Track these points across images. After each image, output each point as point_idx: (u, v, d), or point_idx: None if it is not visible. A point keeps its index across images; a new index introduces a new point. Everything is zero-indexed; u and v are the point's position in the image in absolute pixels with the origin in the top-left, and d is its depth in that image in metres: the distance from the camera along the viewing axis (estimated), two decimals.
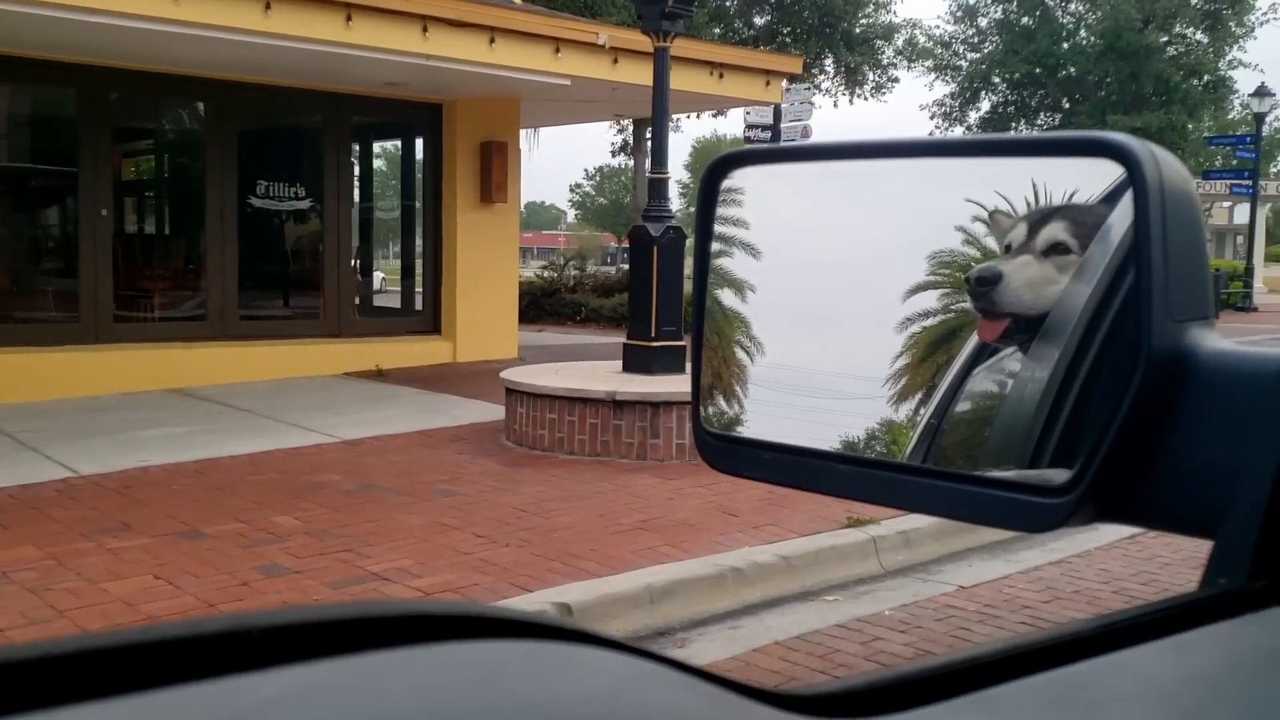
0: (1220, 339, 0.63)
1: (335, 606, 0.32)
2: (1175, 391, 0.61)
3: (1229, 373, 0.61)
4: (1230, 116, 35.60)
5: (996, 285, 0.67)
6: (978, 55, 33.82)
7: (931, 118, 34.25)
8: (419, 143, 12.76)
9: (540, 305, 21.53)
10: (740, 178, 0.79)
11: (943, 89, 35.72)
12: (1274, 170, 47.21)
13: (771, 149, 0.92)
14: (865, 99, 23.74)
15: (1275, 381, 0.58)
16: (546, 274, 22.94)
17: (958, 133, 33.43)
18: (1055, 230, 0.65)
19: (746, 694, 0.37)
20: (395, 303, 13.83)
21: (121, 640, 0.28)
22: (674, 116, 17.66)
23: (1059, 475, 0.63)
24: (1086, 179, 0.65)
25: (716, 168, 0.79)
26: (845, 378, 0.74)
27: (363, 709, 0.29)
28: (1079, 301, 0.64)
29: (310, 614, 0.31)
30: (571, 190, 78.54)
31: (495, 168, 12.19)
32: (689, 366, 0.92)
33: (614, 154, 22.36)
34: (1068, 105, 33.26)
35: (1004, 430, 0.68)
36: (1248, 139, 27.08)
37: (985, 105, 34.15)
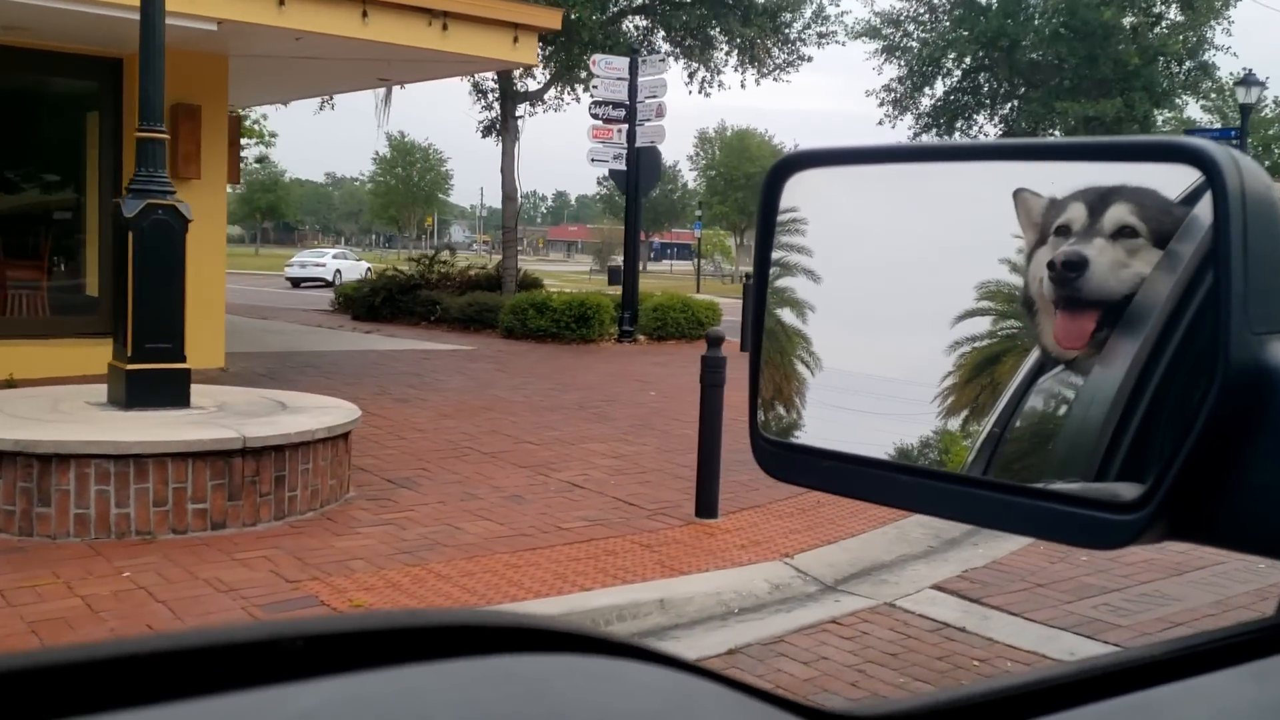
0: None
1: (381, 615, 0.31)
2: (1254, 407, 0.59)
3: None
4: (1209, 104, 33.23)
5: (1085, 270, 0.63)
6: (929, 34, 31.56)
7: (880, 104, 32.15)
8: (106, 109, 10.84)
9: (395, 303, 19.68)
10: (801, 180, 0.79)
11: (892, 72, 33.49)
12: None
13: (833, 150, 0.81)
14: (774, 79, 21.51)
15: None
16: (406, 268, 20.98)
17: (907, 121, 31.27)
18: (1121, 212, 0.63)
19: (798, 712, 0.36)
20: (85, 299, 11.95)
21: (157, 646, 0.28)
22: (401, 83, 15.43)
23: (1127, 490, 0.61)
24: (1161, 186, 0.63)
25: (778, 170, 0.80)
26: (907, 384, 0.72)
27: None
28: (1153, 307, 0.62)
29: (355, 623, 0.30)
30: (599, 183, 77.82)
31: (184, 137, 10.42)
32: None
33: (483, 135, 20.33)
34: (1023, 90, 30.98)
35: (1070, 441, 0.66)
36: (1232, 133, 24.69)
37: (939, 89, 32.04)
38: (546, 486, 7.16)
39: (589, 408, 10.37)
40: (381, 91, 19.16)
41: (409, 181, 73.71)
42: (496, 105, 20.31)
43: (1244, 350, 0.58)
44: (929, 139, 31.03)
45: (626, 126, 16.51)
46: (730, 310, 27.80)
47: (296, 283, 40.40)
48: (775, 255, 0.79)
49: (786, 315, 0.78)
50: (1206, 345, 0.59)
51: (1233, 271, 0.58)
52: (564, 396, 10.89)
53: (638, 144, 16.48)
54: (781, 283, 0.79)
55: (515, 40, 10.97)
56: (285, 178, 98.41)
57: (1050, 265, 0.65)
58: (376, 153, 77.23)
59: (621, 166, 16.65)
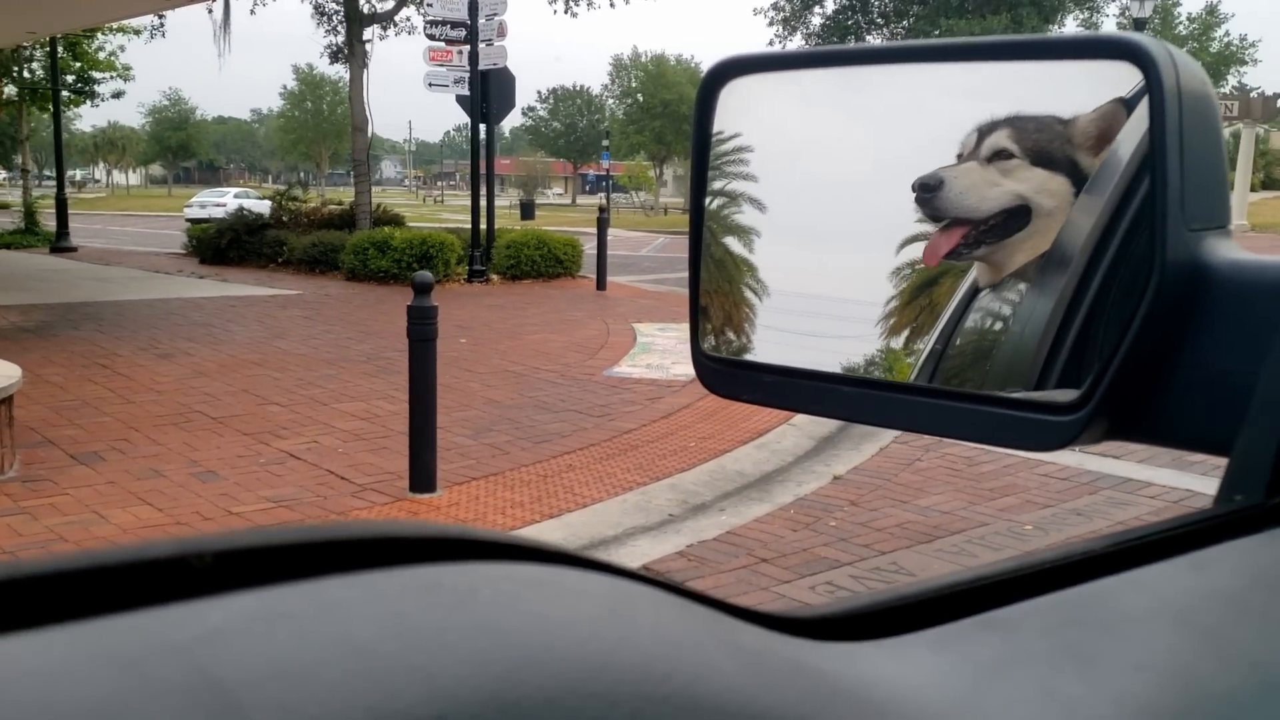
0: (1238, 249, 0.61)
1: (297, 529, 0.29)
2: (1190, 304, 0.60)
3: (1247, 283, 0.59)
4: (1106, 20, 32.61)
5: (940, 190, 0.67)
6: None
7: (770, 24, 31.04)
8: None
9: (243, 245, 18.44)
10: (738, 87, 0.76)
11: None
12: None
13: (770, 55, 0.82)
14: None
15: None
16: (250, 208, 19.70)
17: (797, 42, 30.22)
18: (999, 138, 0.66)
19: (740, 616, 0.36)
20: None
21: (58, 566, 0.26)
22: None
23: (1067, 396, 0.61)
24: (1105, 84, 0.63)
25: (713, 77, 0.77)
26: (855, 304, 0.72)
27: (323, 636, 0.26)
28: (1089, 218, 0.63)
29: (267, 537, 0.29)
30: (525, 114, 75.58)
31: None
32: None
33: (331, 61, 18.93)
34: (914, 7, 30.03)
35: (1010, 353, 0.67)
36: None
37: (829, 6, 31.00)
38: (257, 459, 6.26)
39: (378, 359, 9.45)
40: (218, 14, 17.67)
41: (318, 115, 71.00)
42: (341, 29, 18.89)
43: (1180, 248, 0.59)
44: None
45: (468, 48, 15.32)
46: (626, 244, 26.99)
47: (197, 224, 38.60)
48: (720, 185, 0.77)
49: (733, 244, 0.77)
50: (1146, 246, 0.59)
51: (1169, 168, 0.58)
52: (358, 347, 9.95)
53: (481, 66, 15.30)
54: (727, 211, 0.77)
55: None
56: (197, 115, 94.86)
57: (913, 188, 0.67)
58: (284, 86, 74.48)
59: (465, 91, 15.48)
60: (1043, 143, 0.64)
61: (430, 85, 15.43)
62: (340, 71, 23.69)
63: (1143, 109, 0.59)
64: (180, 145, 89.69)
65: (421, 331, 5.61)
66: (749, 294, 0.76)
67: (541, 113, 73.55)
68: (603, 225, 15.98)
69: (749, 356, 0.77)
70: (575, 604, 0.31)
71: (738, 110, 0.76)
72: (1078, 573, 0.45)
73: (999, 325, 0.67)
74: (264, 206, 38.09)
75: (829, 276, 0.74)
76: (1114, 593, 0.45)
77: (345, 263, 15.74)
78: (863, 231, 0.72)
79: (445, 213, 46.66)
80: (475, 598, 0.29)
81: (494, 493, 5.76)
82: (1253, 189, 49.06)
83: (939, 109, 0.69)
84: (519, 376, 8.86)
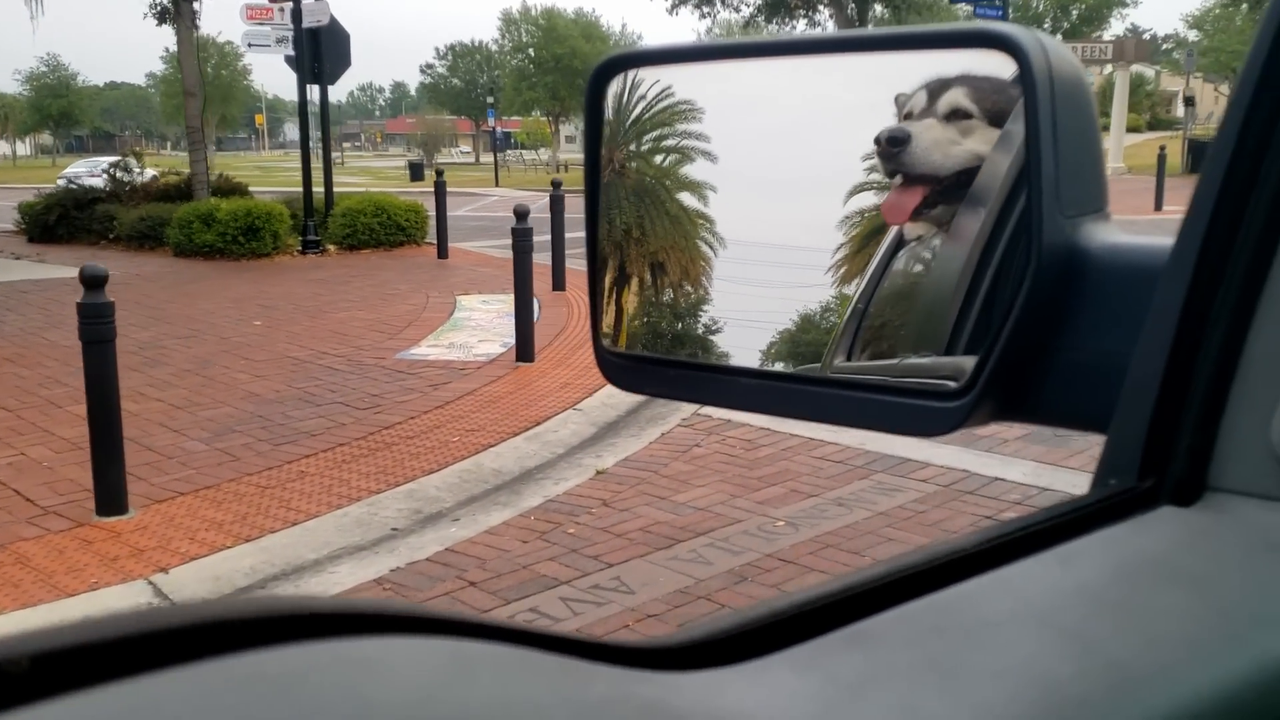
0: (1115, 232, 0.63)
1: (112, 621, 0.27)
2: (1068, 288, 0.60)
3: (1122, 266, 0.60)
4: None
5: (907, 145, 0.66)
6: None
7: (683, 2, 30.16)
8: None
9: (72, 220, 17.20)
10: (625, 81, 0.77)
11: None
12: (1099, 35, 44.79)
13: (661, 50, 0.80)
14: None
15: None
16: (83, 180, 18.39)
17: (704, 27, 29.51)
18: (956, 95, 0.65)
19: (597, 656, 0.35)
20: None
21: None
22: None
23: (970, 363, 0.62)
24: (998, 72, 0.63)
25: (603, 71, 0.77)
26: (805, 250, 0.72)
27: None
28: (992, 185, 0.63)
29: (83, 634, 0.27)
30: (423, 71, 73.20)
31: None
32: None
33: (158, 21, 17.63)
34: None
35: (923, 315, 0.67)
36: (998, 10, 23.81)
37: None
38: None
39: (152, 349, 8.62)
40: None
41: (203, 78, 68.05)
42: None
43: (1056, 233, 0.59)
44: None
45: (291, 5, 14.29)
46: (506, 204, 26.01)
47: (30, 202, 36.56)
48: (673, 142, 0.77)
49: (687, 198, 0.77)
50: (1024, 231, 0.60)
51: (1043, 155, 0.59)
52: (136, 335, 9.08)
53: (305, 24, 14.30)
54: (683, 168, 0.76)
55: None
56: (79, 80, 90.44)
57: (877, 141, 0.66)
58: (166, 49, 71.13)
59: (289, 50, 14.46)
60: (1000, 104, 0.64)
61: (250, 45, 14.43)
62: (226, 34, 22.14)
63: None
64: (62, 113, 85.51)
65: (94, 332, 4.87)
66: (704, 247, 0.76)
67: (441, 69, 71.60)
68: (440, 189, 15.13)
69: (649, 351, 0.79)
70: (407, 680, 0.29)
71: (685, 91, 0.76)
72: (947, 574, 0.45)
73: (914, 286, 0.68)
74: (146, 176, 36.40)
75: (779, 228, 0.73)
76: (979, 595, 0.45)
77: (171, 238, 14.71)
78: (807, 182, 0.72)
79: (339, 175, 45.17)
80: (301, 686, 0.28)
81: (197, 511, 5.07)
82: (1138, 130, 49.74)
83: (828, 95, 0.71)
84: (299, 364, 8.12)
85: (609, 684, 0.34)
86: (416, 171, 43.23)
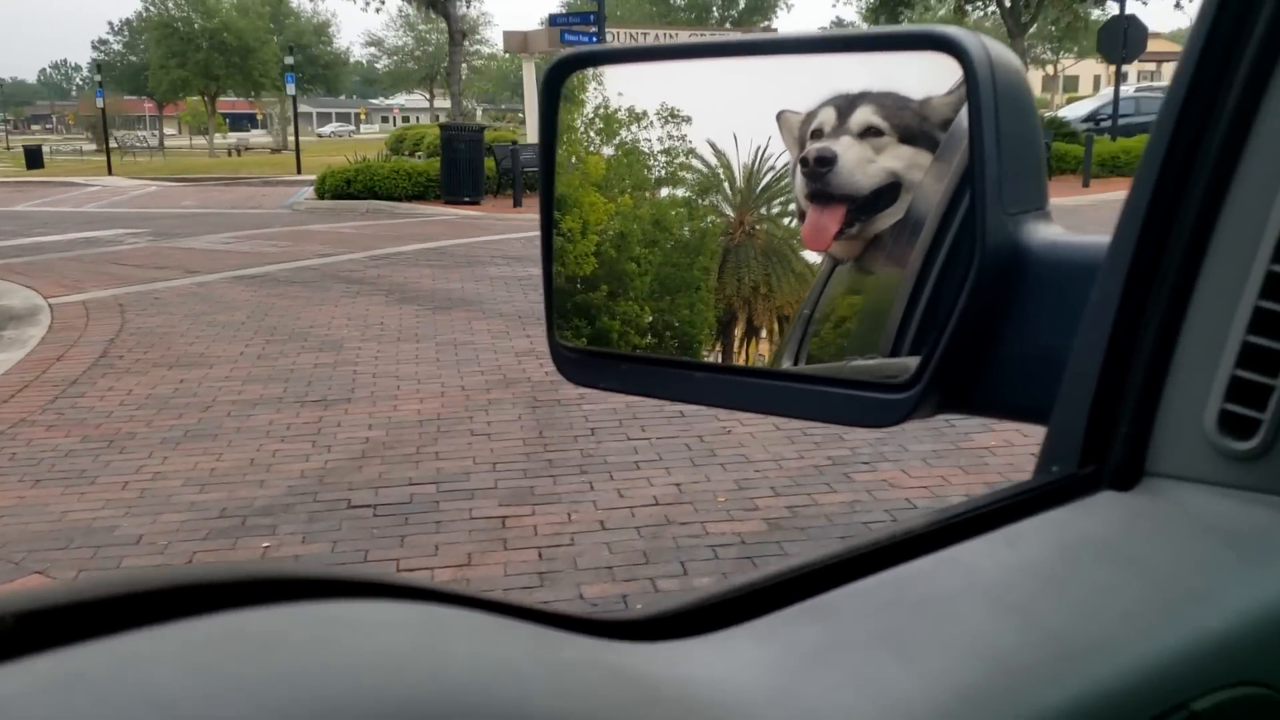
0: (1054, 229, 0.64)
1: (96, 583, 0.29)
2: (1011, 284, 0.62)
3: (1061, 262, 0.62)
4: None
5: (834, 165, 0.67)
6: None
7: None
8: None
9: None
10: (580, 80, 0.79)
11: None
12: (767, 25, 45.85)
13: (613, 50, 0.82)
14: None
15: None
16: None
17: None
18: (866, 113, 0.66)
19: (564, 625, 0.36)
20: None
21: None
22: None
23: (900, 374, 0.64)
24: (909, 85, 0.66)
25: (557, 71, 0.79)
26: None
27: (122, 696, 0.26)
28: (935, 193, 0.65)
29: (68, 594, 0.28)
30: (95, 48, 64.74)
31: None
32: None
33: None
34: None
35: (869, 320, 0.69)
36: (590, 17, 23.36)
37: None
38: None
39: None
40: None
41: None
42: None
43: (999, 230, 0.61)
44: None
45: None
46: (93, 198, 23.74)
47: None
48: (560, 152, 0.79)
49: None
50: (968, 228, 0.61)
51: (986, 154, 0.60)
52: None
53: None
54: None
55: None
56: None
57: (803, 161, 0.68)
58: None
59: None
60: (907, 120, 0.65)
61: None
62: None
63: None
64: None
65: None
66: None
67: (116, 46, 64.17)
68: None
69: (602, 346, 0.79)
70: (385, 640, 0.30)
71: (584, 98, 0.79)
72: (901, 553, 0.47)
73: (858, 295, 0.70)
74: None
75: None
76: (931, 572, 0.47)
77: None
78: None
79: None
80: (281, 643, 0.29)
81: None
82: None
83: (774, 97, 0.70)
84: None
85: (578, 650, 0.35)
86: (34, 158, 38.50)
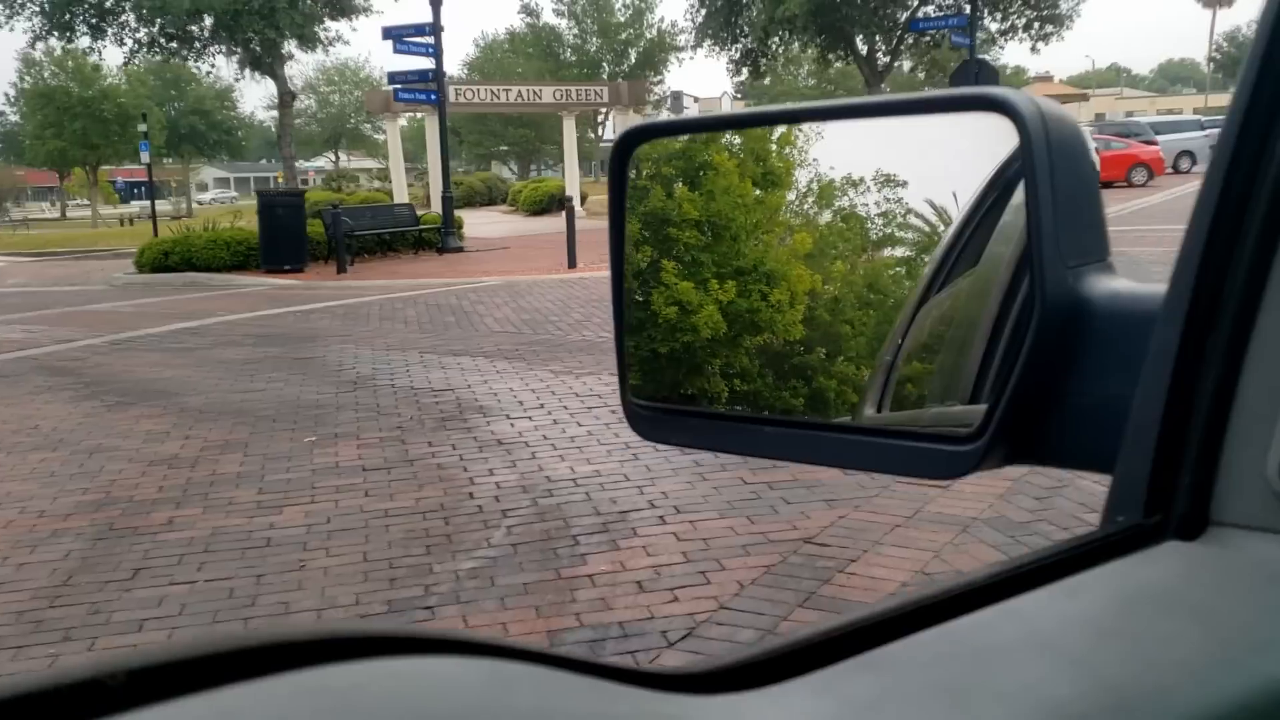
0: (1116, 280, 0.65)
1: (197, 643, 0.31)
2: (1074, 335, 0.63)
3: (1122, 312, 0.62)
4: None
5: None
6: None
7: None
8: None
9: None
10: (649, 150, 0.82)
11: None
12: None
13: (675, 122, 0.89)
14: None
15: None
16: None
17: None
18: None
19: (624, 679, 0.37)
20: None
21: None
22: None
23: (966, 428, 0.65)
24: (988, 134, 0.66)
25: (626, 142, 0.81)
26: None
27: None
28: (1010, 241, 0.66)
29: (172, 653, 0.30)
30: None
31: None
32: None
33: None
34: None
35: (949, 365, 0.70)
36: (428, 75, 22.31)
37: None
38: None
39: None
40: None
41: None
42: None
43: (1059, 284, 0.62)
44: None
45: None
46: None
47: None
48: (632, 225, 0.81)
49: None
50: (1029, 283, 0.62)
51: (1041, 210, 0.61)
52: None
53: None
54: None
55: None
56: None
57: None
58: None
59: None
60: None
61: None
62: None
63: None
64: None
65: None
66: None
67: (13, 116, 61.51)
68: None
69: (672, 402, 0.82)
70: (454, 694, 0.32)
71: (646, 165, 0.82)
72: (959, 606, 0.47)
73: (939, 340, 0.72)
74: None
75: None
76: (989, 624, 0.47)
77: None
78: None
79: None
80: (360, 697, 0.31)
81: None
82: None
83: (873, 155, 0.73)
84: None
85: (635, 703, 0.36)
86: None
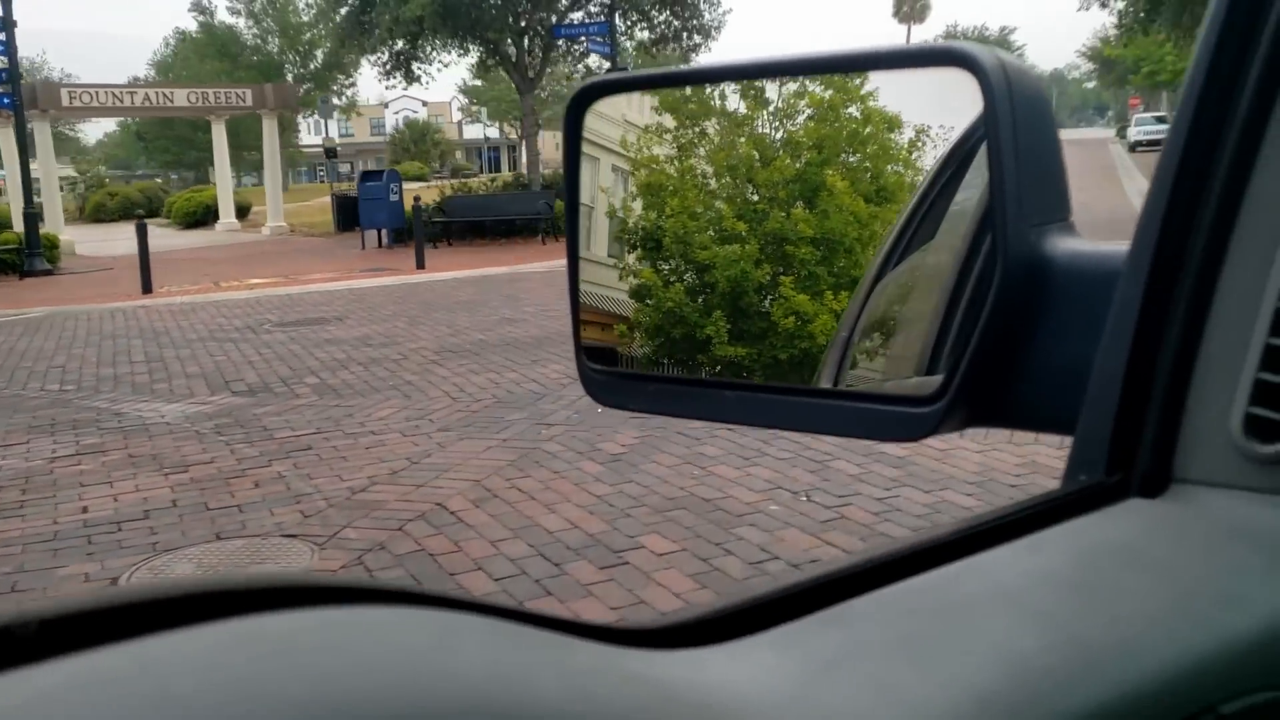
0: (1078, 240, 0.64)
1: (117, 591, 0.30)
2: (1035, 295, 0.62)
3: (1084, 272, 0.62)
4: None
5: None
6: None
7: None
8: None
9: None
10: (604, 106, 0.82)
11: None
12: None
13: (630, 77, 0.88)
14: None
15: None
16: None
17: None
18: None
19: (580, 633, 0.37)
20: None
21: None
22: None
23: (927, 388, 0.64)
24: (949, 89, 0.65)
25: (580, 99, 0.81)
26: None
27: (142, 695, 0.27)
28: (967, 212, 0.66)
29: (91, 602, 0.29)
30: None
31: None
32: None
33: None
34: None
35: (903, 338, 0.71)
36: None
37: None
38: None
39: None
40: None
41: None
42: None
43: (1021, 243, 0.61)
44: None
45: None
46: None
47: None
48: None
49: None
50: (991, 242, 0.62)
51: (1005, 169, 0.60)
52: None
53: None
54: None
55: None
56: None
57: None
58: None
59: None
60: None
61: None
62: None
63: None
64: None
65: None
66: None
67: None
68: None
69: (631, 368, 0.81)
70: (399, 642, 0.31)
71: (608, 122, 0.81)
72: (925, 561, 0.47)
73: (894, 311, 0.72)
74: None
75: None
76: (954, 580, 0.47)
77: None
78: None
79: None
80: (296, 645, 0.29)
81: None
82: (423, 178, 48.60)
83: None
84: None
85: (593, 656, 0.35)
86: None
